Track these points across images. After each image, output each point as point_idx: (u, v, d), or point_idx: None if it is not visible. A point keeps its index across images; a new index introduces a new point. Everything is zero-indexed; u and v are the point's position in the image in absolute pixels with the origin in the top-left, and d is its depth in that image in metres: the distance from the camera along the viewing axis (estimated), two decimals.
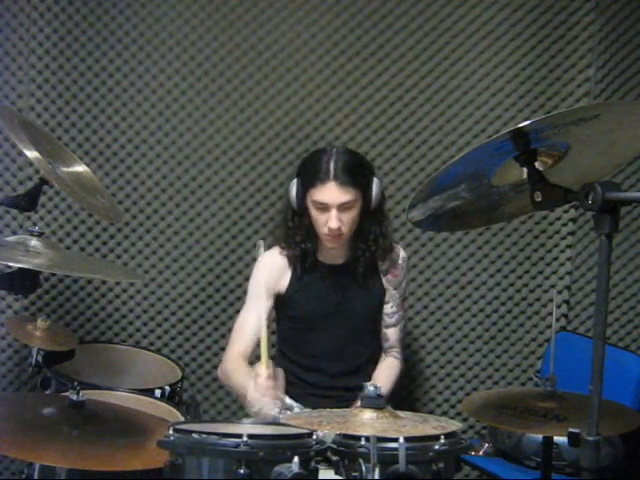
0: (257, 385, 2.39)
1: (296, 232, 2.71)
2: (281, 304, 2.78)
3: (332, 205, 2.59)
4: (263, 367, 2.40)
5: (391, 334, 2.82)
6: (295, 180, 2.68)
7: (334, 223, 2.59)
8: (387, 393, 2.57)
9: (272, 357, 2.78)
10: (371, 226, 2.71)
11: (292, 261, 2.74)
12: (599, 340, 1.56)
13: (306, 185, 2.64)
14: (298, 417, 2.11)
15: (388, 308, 2.81)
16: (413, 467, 1.70)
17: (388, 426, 1.84)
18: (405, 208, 1.94)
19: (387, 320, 2.82)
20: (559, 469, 2.63)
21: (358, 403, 1.95)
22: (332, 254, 2.75)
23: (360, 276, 2.74)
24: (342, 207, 2.59)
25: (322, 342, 2.75)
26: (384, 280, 2.78)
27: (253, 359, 2.61)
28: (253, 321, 2.67)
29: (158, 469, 1.75)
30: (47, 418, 1.99)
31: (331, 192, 2.58)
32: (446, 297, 3.28)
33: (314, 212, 2.64)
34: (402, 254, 2.83)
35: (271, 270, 2.76)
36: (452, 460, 1.83)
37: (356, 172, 2.63)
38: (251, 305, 2.74)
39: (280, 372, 2.45)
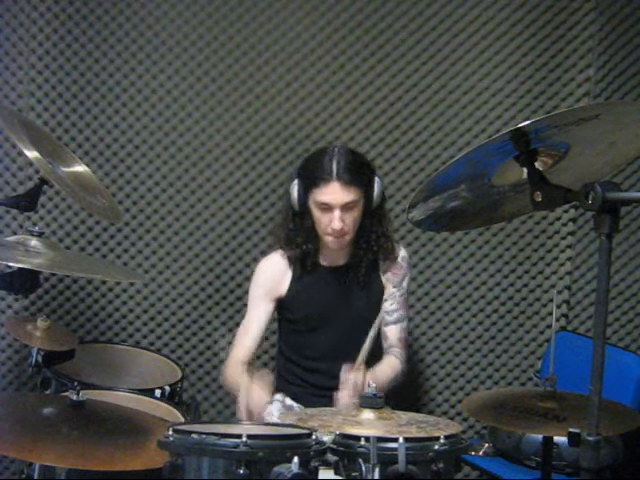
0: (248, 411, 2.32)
1: (297, 233, 2.70)
2: (282, 307, 2.77)
3: (335, 205, 2.57)
4: (243, 393, 2.33)
5: (390, 332, 2.76)
6: (296, 181, 2.66)
7: (337, 224, 2.57)
8: (384, 389, 2.49)
9: (272, 358, 2.78)
10: (372, 226, 2.70)
11: (293, 262, 2.73)
12: (599, 340, 1.56)
13: (308, 186, 2.62)
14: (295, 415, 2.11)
15: (387, 305, 2.75)
16: (413, 467, 1.70)
17: (388, 426, 1.84)
18: (405, 208, 1.94)
19: (386, 318, 2.76)
20: (559, 469, 2.63)
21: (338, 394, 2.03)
22: (333, 256, 2.74)
23: (362, 277, 2.73)
24: (345, 207, 2.58)
25: (323, 343, 2.74)
26: (383, 278, 2.76)
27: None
28: (253, 327, 2.68)
29: (158, 469, 1.75)
30: (47, 418, 1.99)
31: (334, 192, 2.57)
32: (446, 297, 3.27)
33: (317, 213, 2.63)
34: (402, 253, 2.81)
35: (271, 274, 2.75)
36: (452, 460, 1.83)
37: (358, 171, 2.62)
38: (252, 310, 2.75)
39: (267, 375, 2.40)
